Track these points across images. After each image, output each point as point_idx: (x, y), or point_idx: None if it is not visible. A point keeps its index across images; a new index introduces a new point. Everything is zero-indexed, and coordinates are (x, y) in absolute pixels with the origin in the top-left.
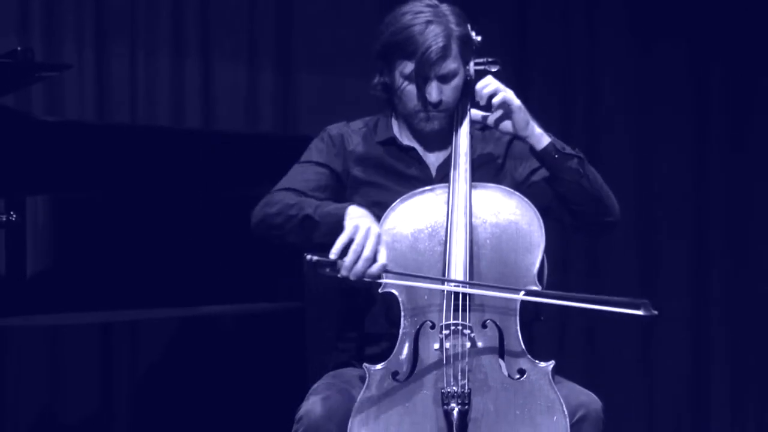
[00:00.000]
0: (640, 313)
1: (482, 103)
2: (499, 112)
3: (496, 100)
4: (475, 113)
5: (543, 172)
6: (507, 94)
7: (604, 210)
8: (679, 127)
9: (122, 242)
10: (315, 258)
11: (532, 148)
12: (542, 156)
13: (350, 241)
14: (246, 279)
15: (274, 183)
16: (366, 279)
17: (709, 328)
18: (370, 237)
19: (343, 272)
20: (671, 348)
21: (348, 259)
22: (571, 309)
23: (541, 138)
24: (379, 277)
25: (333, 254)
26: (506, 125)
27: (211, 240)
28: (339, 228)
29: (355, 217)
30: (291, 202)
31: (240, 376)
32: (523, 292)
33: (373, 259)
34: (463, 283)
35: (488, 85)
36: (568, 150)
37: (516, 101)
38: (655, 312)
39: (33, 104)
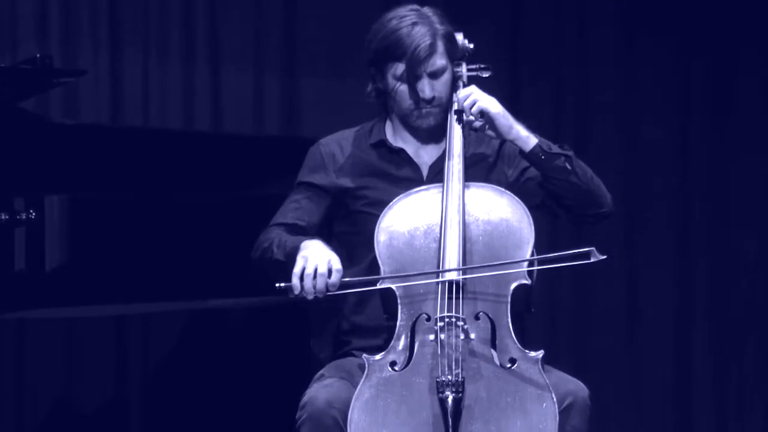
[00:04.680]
0: (590, 260)
1: (464, 113)
2: (480, 120)
3: (474, 110)
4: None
5: (534, 171)
6: (485, 103)
7: (595, 203)
8: (664, 124)
9: (135, 239)
10: (283, 285)
11: (520, 150)
12: (530, 157)
13: (303, 270)
14: (252, 274)
15: (280, 183)
16: (331, 292)
17: (693, 318)
18: (320, 256)
19: (309, 297)
20: (656, 337)
21: (306, 283)
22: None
23: (527, 140)
24: (342, 285)
25: (295, 287)
26: (491, 131)
27: (219, 237)
28: None
29: (304, 248)
30: (266, 245)
31: (247, 365)
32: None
33: (329, 274)
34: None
35: (468, 95)
36: (555, 149)
37: (495, 109)
38: (603, 256)
39: (51, 108)
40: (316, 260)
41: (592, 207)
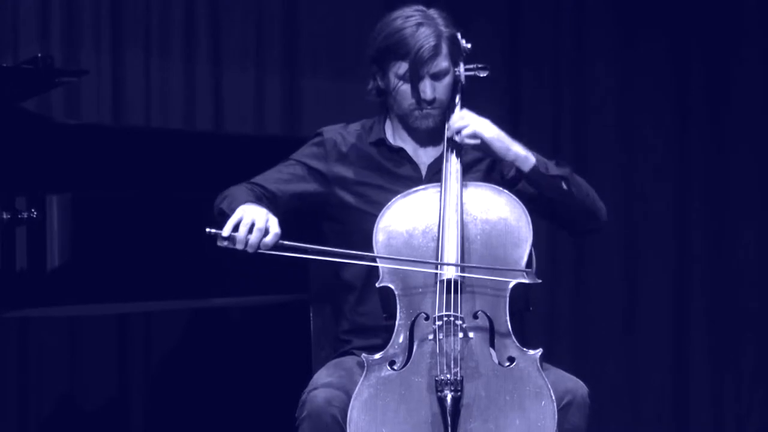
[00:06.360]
0: (526, 281)
1: (456, 138)
2: (474, 143)
3: (467, 134)
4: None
5: None
6: (479, 128)
7: (589, 218)
8: (662, 125)
9: (136, 238)
10: (213, 231)
11: (517, 170)
12: (527, 178)
13: (240, 220)
14: (254, 272)
15: None
16: (263, 250)
17: (691, 318)
18: (259, 213)
19: (239, 246)
20: (654, 336)
21: (240, 232)
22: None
23: (526, 160)
24: (276, 246)
25: (225, 231)
26: (488, 155)
27: None
28: None
29: (245, 205)
30: (225, 194)
31: (248, 363)
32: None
33: (266, 231)
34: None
35: (459, 119)
36: (552, 170)
37: (489, 133)
38: (539, 280)
39: (53, 108)
40: (255, 215)
41: (586, 223)
